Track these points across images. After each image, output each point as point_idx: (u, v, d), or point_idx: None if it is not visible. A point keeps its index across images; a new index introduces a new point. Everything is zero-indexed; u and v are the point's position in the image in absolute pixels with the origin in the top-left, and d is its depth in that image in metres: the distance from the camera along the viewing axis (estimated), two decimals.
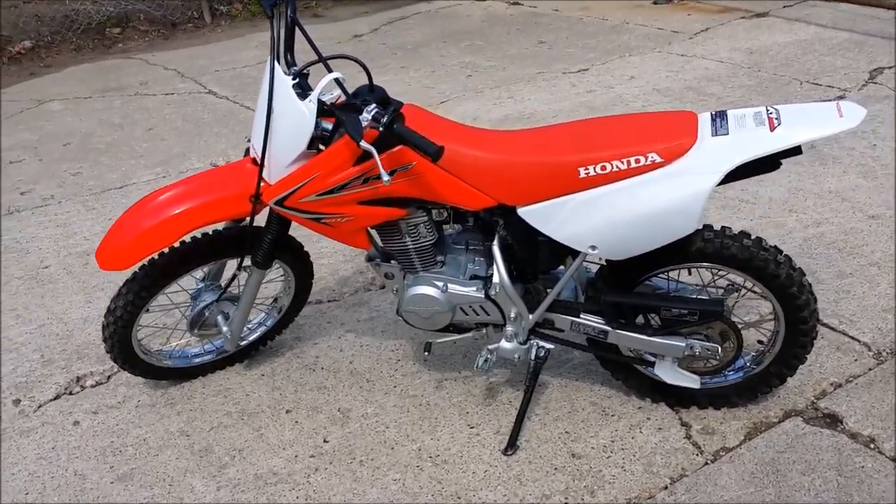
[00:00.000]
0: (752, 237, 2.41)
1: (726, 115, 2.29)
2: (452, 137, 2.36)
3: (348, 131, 2.17)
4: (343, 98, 2.30)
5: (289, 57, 2.42)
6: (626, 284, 2.52)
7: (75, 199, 4.55)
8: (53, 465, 2.68)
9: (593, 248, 2.35)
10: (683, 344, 2.52)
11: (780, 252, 2.43)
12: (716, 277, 2.54)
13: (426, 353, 2.69)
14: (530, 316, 2.56)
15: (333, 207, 2.41)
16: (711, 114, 2.32)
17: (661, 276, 2.55)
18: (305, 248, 2.87)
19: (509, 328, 2.59)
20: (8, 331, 3.40)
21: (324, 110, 2.34)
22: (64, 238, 4.12)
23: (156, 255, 2.60)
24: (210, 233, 2.64)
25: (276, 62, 2.33)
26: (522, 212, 2.37)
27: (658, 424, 2.68)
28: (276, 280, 2.99)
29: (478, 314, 2.60)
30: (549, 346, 2.61)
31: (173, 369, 2.89)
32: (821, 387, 2.78)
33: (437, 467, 2.57)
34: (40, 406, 2.96)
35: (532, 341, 2.60)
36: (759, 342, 2.73)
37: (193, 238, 2.63)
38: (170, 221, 2.44)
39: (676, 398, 2.70)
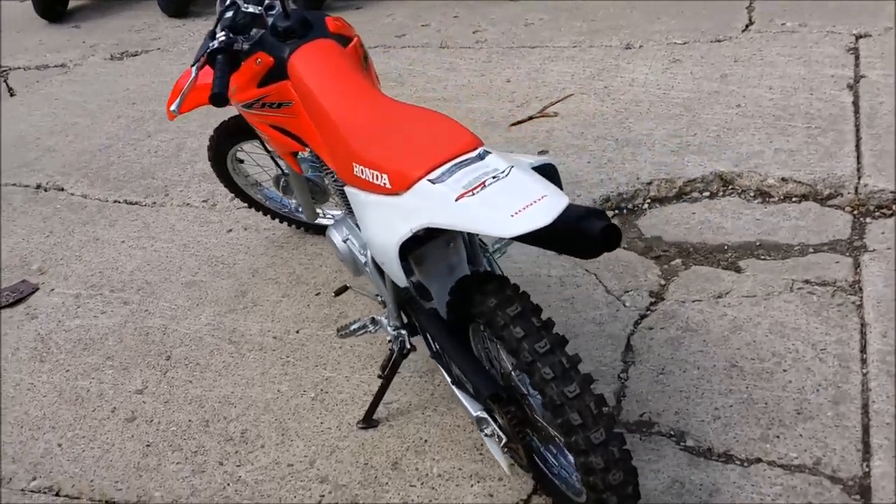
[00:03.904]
0: (535, 327, 1.77)
1: (478, 160, 1.70)
2: (329, 90, 2.18)
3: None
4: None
5: None
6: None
7: (497, 47, 4.87)
8: (179, 256, 3.43)
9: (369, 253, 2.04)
10: (475, 413, 2.03)
11: (558, 354, 1.74)
12: None
13: (334, 295, 2.61)
14: (390, 304, 2.31)
15: (256, 123, 2.48)
16: (479, 151, 1.72)
17: None
18: None
19: (389, 306, 2.38)
20: None
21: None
22: (432, 81, 4.58)
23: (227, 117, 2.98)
24: None
25: None
26: (346, 188, 2.13)
27: (497, 490, 2.23)
28: None
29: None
30: (410, 345, 2.33)
31: (261, 204, 3.28)
32: None
33: (313, 401, 2.61)
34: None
35: (400, 331, 2.35)
36: None
37: None
38: (188, 92, 2.77)
39: (540, 477, 2.19)
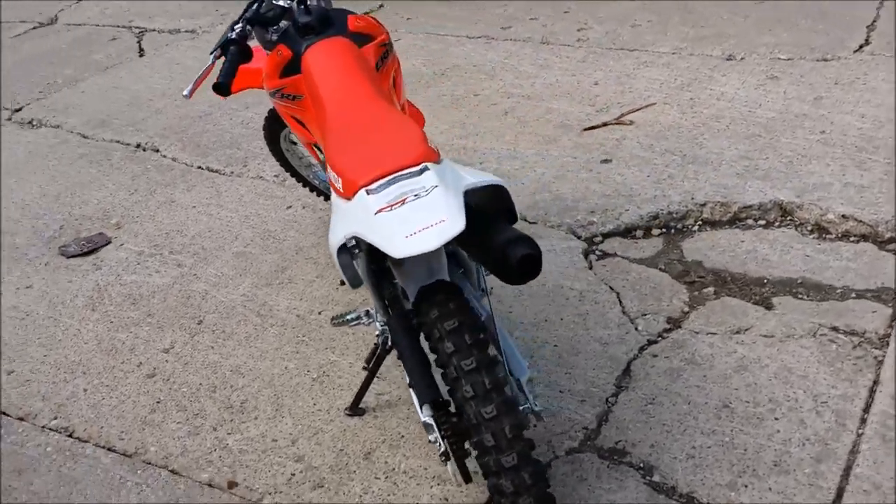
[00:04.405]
0: (466, 344, 1.80)
1: (416, 175, 1.73)
2: (329, 88, 2.26)
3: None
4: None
5: None
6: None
7: (597, 47, 4.82)
8: (238, 226, 3.61)
9: None
10: (422, 416, 2.07)
11: (483, 374, 1.76)
12: None
13: (339, 284, 2.69)
14: (374, 300, 2.37)
15: (280, 111, 2.59)
16: (422, 166, 1.76)
17: None
18: None
19: (374, 302, 2.45)
20: None
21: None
22: (521, 77, 4.56)
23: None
24: None
25: None
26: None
27: (454, 495, 2.27)
28: None
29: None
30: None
31: (313, 185, 3.39)
32: None
33: (313, 382, 2.72)
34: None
35: (385, 327, 2.41)
36: None
37: None
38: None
39: None
